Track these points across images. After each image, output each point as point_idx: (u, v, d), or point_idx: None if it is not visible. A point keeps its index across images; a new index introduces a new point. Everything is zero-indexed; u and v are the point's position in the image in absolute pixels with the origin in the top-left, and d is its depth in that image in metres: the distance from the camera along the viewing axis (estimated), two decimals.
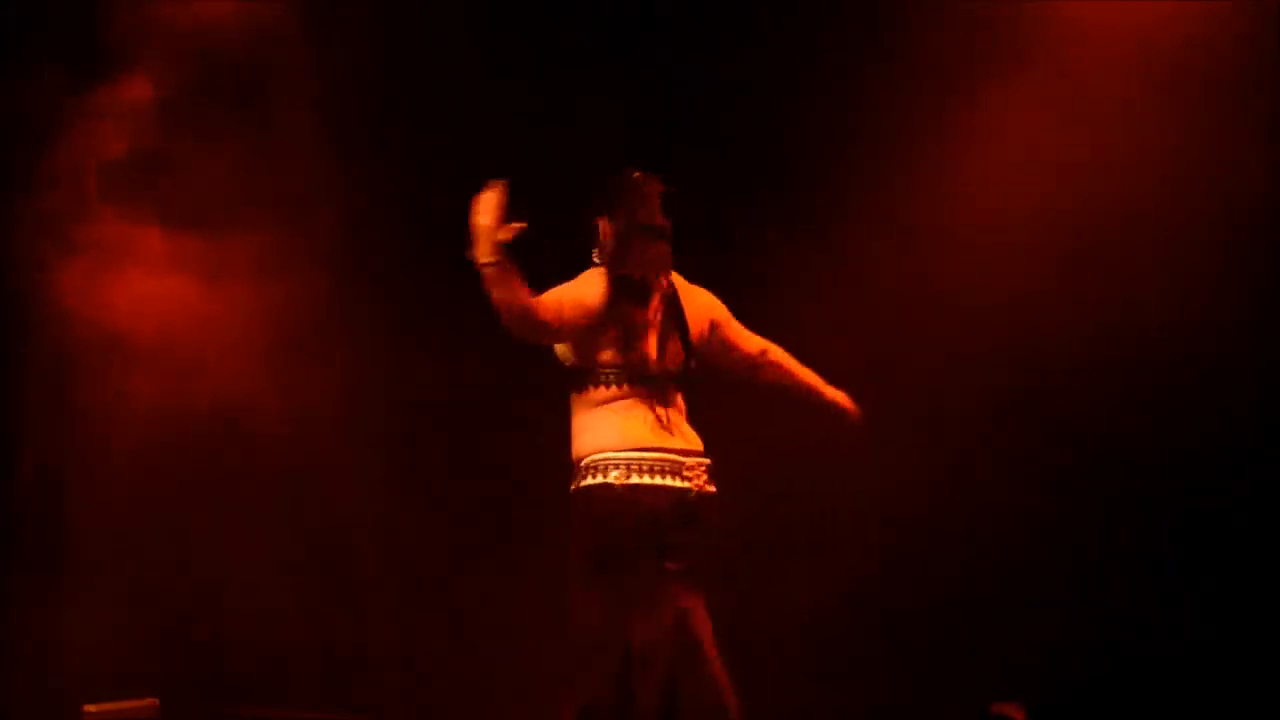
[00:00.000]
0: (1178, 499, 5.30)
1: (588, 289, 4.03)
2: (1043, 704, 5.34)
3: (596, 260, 4.12)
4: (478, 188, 6.00)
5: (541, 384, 5.21)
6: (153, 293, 6.08)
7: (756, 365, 4.27)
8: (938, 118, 5.63)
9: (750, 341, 4.28)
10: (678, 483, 3.97)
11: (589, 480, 3.99)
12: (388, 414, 6.25)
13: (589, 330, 4.02)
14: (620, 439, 4.00)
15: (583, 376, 4.07)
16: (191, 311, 6.10)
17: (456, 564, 6.13)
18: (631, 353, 4.03)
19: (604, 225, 4.11)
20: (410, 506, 6.22)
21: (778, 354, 4.30)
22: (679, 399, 4.12)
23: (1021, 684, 5.40)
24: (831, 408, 4.32)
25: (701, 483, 4.02)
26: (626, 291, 4.04)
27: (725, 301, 4.30)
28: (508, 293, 3.84)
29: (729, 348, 4.25)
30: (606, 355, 4.04)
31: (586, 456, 4.02)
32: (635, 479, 3.94)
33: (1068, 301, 5.50)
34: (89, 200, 6.04)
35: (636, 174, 4.12)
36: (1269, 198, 5.25)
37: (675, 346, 4.09)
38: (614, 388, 4.04)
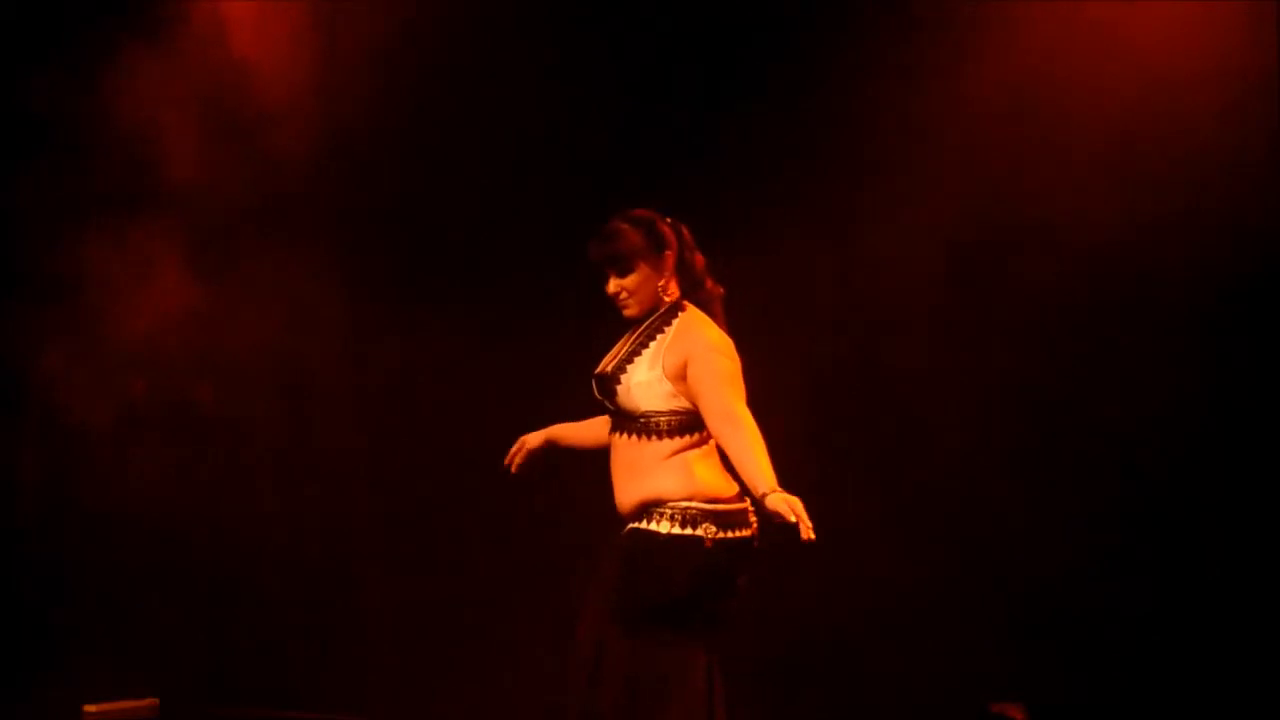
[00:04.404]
0: (1180, 499, 5.30)
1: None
2: (1043, 704, 5.34)
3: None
4: (478, 188, 6.09)
5: (543, 385, 5.23)
6: (153, 294, 6.09)
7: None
8: (938, 118, 5.63)
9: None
10: (748, 532, 3.88)
11: (674, 529, 3.83)
12: (388, 414, 6.25)
13: None
14: (713, 488, 3.87)
15: (662, 420, 3.91)
16: (190, 313, 6.11)
17: (457, 565, 6.13)
18: None
19: None
20: (411, 507, 6.22)
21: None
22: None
23: (1021, 684, 5.39)
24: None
25: (755, 524, 3.89)
26: None
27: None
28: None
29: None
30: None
31: (670, 501, 3.85)
32: (724, 534, 3.81)
33: (1067, 301, 5.50)
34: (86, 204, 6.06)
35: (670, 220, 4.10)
36: (1268, 197, 5.24)
37: None
38: (698, 433, 3.90)
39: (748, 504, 3.90)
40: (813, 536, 3.59)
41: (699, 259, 4.07)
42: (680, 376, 3.88)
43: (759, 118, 5.82)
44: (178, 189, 6.04)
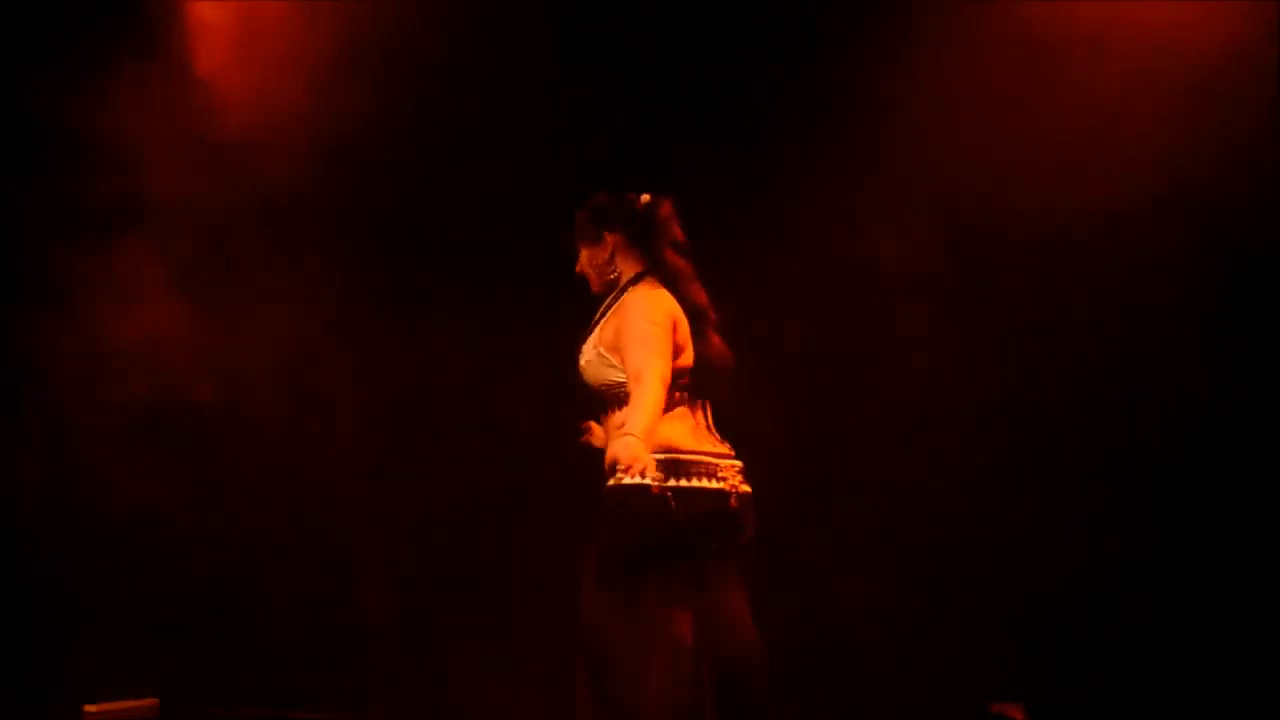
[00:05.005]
0: (1180, 500, 5.30)
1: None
2: (1043, 704, 5.34)
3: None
4: (479, 189, 6.09)
5: (542, 380, 5.24)
6: (154, 296, 6.09)
7: None
8: (937, 118, 5.63)
9: None
10: (714, 484, 3.97)
11: (626, 479, 3.92)
12: (388, 415, 6.25)
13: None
14: (666, 441, 3.97)
15: (623, 390, 4.00)
16: (191, 314, 6.11)
17: (458, 565, 6.13)
18: (689, 362, 4.08)
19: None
20: (411, 506, 6.21)
21: None
22: (709, 405, 4.15)
23: (1021, 684, 5.39)
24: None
25: (737, 483, 4.02)
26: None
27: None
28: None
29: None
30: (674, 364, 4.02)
31: None
32: (672, 481, 3.92)
33: (1064, 301, 5.50)
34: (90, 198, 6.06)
35: (647, 196, 4.23)
36: (1267, 197, 5.24)
37: (710, 356, 4.14)
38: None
39: (722, 462, 3.99)
40: (611, 482, 3.74)
41: (667, 235, 4.18)
42: (616, 347, 4.01)
43: (758, 119, 5.83)
44: (177, 194, 6.04)
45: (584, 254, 4.24)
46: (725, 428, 4.21)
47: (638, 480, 3.86)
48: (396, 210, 6.21)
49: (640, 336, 3.94)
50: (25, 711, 5.89)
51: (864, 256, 5.70)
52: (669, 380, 3.89)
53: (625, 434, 3.73)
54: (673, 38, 5.92)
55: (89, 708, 5.86)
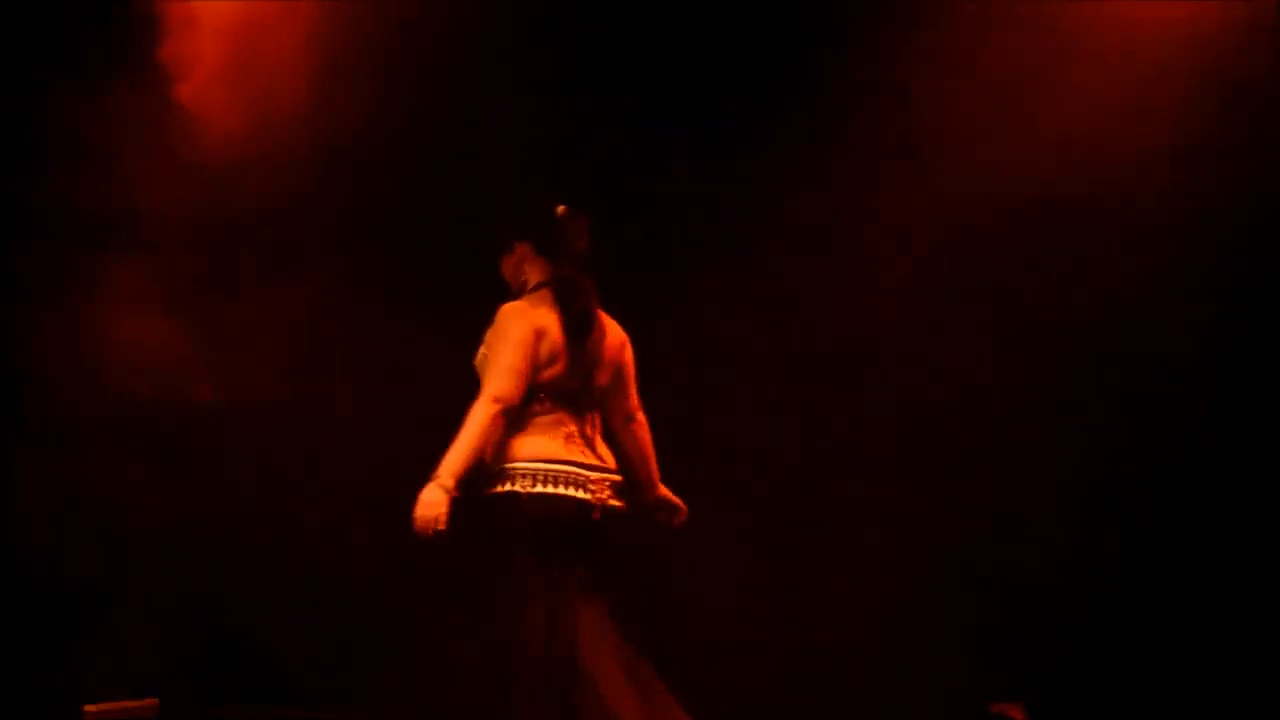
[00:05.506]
0: (1179, 500, 5.30)
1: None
2: (1043, 704, 5.34)
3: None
4: (477, 192, 6.10)
5: None
6: (153, 290, 6.09)
7: (624, 423, 4.33)
8: (935, 113, 5.64)
9: (633, 399, 4.35)
10: (580, 494, 4.05)
11: (497, 488, 4.08)
12: (388, 415, 6.25)
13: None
14: (534, 450, 4.09)
15: None
16: (190, 310, 6.11)
17: (458, 563, 6.13)
18: (560, 373, 4.14)
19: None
20: (411, 506, 6.20)
21: (643, 426, 4.36)
22: (596, 419, 4.23)
23: (1021, 684, 5.39)
24: (663, 501, 4.39)
25: (605, 497, 4.09)
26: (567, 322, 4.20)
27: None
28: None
29: (620, 394, 4.30)
30: (541, 375, 4.13)
31: (501, 464, 4.10)
32: (539, 488, 4.03)
33: (1065, 300, 5.50)
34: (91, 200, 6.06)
35: (563, 208, 4.30)
36: (1268, 196, 5.25)
37: (596, 370, 4.21)
38: (538, 404, 4.12)
39: (591, 474, 4.07)
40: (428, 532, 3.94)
41: (572, 249, 4.26)
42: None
43: (757, 118, 5.83)
44: (178, 195, 6.04)
45: (501, 263, 4.40)
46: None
47: (506, 489, 4.02)
48: (396, 210, 6.22)
49: (495, 355, 4.12)
50: (25, 711, 5.89)
51: (864, 256, 5.71)
52: (512, 398, 4.04)
53: (432, 478, 3.94)
54: (672, 38, 5.92)
55: (89, 708, 5.85)
